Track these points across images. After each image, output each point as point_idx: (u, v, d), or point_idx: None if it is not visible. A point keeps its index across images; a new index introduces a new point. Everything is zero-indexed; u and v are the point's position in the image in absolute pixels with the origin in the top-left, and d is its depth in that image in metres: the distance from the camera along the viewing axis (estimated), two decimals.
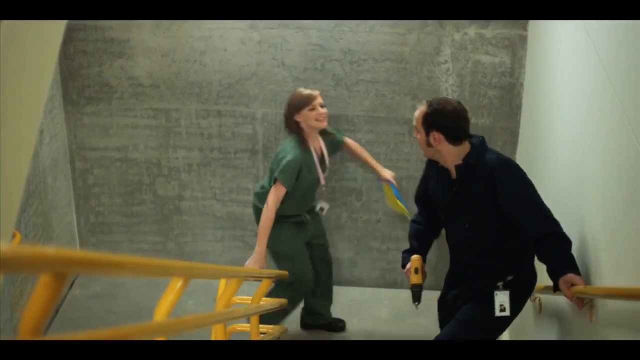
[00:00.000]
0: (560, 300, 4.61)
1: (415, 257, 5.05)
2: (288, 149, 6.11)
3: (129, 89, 7.37)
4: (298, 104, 6.06)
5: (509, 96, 7.10)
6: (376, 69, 7.15)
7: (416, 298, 5.01)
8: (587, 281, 4.23)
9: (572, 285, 4.16)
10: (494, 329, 4.90)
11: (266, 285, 5.67)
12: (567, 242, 4.43)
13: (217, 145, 7.52)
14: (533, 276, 5.00)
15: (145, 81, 7.33)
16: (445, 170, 4.80)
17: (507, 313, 4.77)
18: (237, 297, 5.49)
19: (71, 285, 7.66)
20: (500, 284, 4.81)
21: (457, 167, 4.73)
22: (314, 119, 6.04)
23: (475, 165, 4.66)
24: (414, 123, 4.72)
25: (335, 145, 6.60)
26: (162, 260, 3.02)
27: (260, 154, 7.50)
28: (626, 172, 3.67)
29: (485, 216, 4.73)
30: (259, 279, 5.78)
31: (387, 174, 6.73)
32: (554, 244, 4.45)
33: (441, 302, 5.36)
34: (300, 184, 6.16)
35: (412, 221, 5.32)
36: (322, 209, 6.79)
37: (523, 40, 6.89)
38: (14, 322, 6.10)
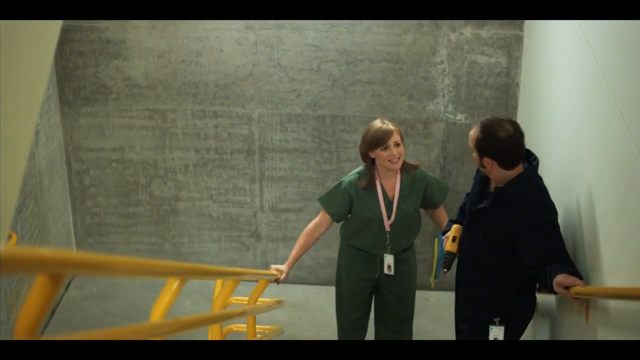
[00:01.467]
0: (556, 300, 4.62)
1: (456, 226, 4.93)
2: (348, 174, 5.64)
3: (125, 90, 7.36)
4: (371, 142, 5.32)
5: (505, 96, 7.11)
6: (372, 70, 7.15)
7: (447, 265, 4.89)
8: (584, 282, 4.22)
9: (565, 287, 4.10)
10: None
11: (262, 286, 5.67)
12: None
13: (214, 145, 7.52)
14: (532, 309, 4.92)
15: (141, 82, 7.32)
16: (488, 179, 4.70)
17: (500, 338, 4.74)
18: (234, 298, 5.49)
19: (67, 286, 7.66)
20: (497, 319, 4.69)
21: (496, 187, 4.59)
22: (386, 159, 5.32)
23: (512, 196, 4.49)
24: (470, 143, 4.58)
25: (427, 199, 5.66)
26: (158, 261, 3.02)
27: (256, 154, 7.50)
28: (622, 172, 3.67)
29: (500, 240, 4.60)
30: (255, 279, 5.78)
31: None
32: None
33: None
34: (356, 218, 5.61)
35: (466, 194, 5.13)
36: (389, 267, 5.78)
37: (519, 40, 6.90)
38: (10, 324, 6.09)
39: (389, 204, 5.46)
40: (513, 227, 4.46)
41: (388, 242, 5.51)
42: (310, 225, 5.76)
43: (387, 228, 5.49)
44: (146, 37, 7.18)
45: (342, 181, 5.53)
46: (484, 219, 4.64)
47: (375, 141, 5.27)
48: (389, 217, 5.47)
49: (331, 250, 7.77)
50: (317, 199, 5.78)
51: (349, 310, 5.94)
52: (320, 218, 5.73)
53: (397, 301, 5.81)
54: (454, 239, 4.86)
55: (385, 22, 6.98)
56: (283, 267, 5.73)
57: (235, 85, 7.28)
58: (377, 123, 5.30)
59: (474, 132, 4.48)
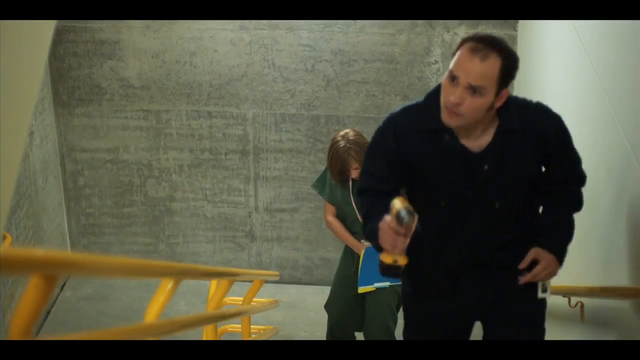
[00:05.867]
0: (551, 299, 4.62)
1: (397, 199, 3.19)
2: None
3: (119, 91, 7.36)
4: (335, 169, 5.47)
5: None
6: (366, 70, 7.15)
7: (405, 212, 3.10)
8: (578, 280, 4.23)
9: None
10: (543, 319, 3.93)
11: (257, 286, 5.67)
12: (575, 204, 3.72)
13: (208, 146, 7.51)
14: None
15: (136, 82, 7.32)
16: (454, 145, 3.46)
17: (548, 294, 3.80)
18: (229, 298, 5.49)
19: (62, 287, 7.65)
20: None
21: (497, 134, 3.46)
22: (349, 176, 5.47)
23: (521, 129, 3.48)
24: (477, 83, 3.22)
25: None
26: (153, 262, 3.02)
27: (251, 154, 7.50)
28: (615, 171, 3.69)
29: (524, 187, 3.60)
30: (250, 279, 5.78)
31: None
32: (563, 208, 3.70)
33: (440, 313, 3.87)
34: (334, 203, 5.69)
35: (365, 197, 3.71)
36: None
37: (513, 40, 6.91)
38: (5, 325, 6.09)
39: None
40: (537, 167, 3.60)
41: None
42: (327, 217, 5.79)
43: (361, 219, 5.48)
44: (140, 37, 7.17)
45: (326, 167, 5.63)
46: (497, 185, 3.52)
47: (336, 168, 5.47)
48: (358, 209, 5.46)
49: (326, 250, 7.78)
50: (311, 185, 5.88)
51: (330, 304, 5.97)
52: (325, 205, 5.81)
53: (375, 303, 5.74)
54: (402, 201, 3.19)
55: (379, 22, 6.98)
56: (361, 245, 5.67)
57: (229, 86, 7.28)
58: (340, 145, 5.42)
59: (490, 66, 3.24)
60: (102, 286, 7.70)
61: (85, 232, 7.90)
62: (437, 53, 7.03)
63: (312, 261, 7.91)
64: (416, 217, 3.08)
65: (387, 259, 3.16)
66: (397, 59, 7.10)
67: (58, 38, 7.08)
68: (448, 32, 6.97)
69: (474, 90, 3.21)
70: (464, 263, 3.70)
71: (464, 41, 3.27)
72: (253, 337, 5.81)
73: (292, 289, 7.89)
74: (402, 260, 3.16)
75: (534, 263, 3.61)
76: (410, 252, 3.54)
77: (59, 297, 7.51)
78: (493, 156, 3.45)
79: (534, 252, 3.59)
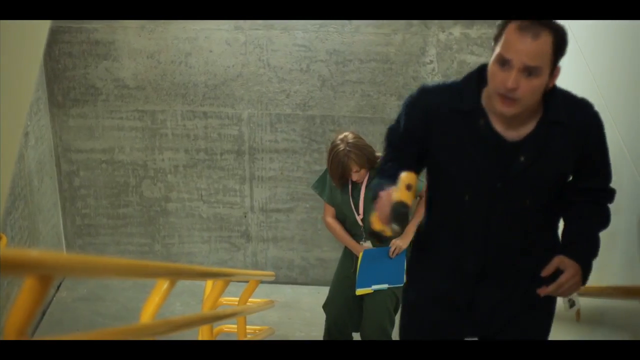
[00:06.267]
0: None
1: (408, 174, 3.09)
2: None
3: (114, 91, 7.36)
4: (335, 173, 5.45)
5: None
6: (362, 70, 7.15)
7: (399, 219, 3.02)
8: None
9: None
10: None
11: (253, 286, 5.67)
12: (602, 221, 3.42)
13: (203, 146, 7.51)
14: None
15: (131, 83, 7.32)
16: (488, 131, 3.20)
17: (577, 306, 3.77)
18: (224, 299, 5.49)
19: (58, 288, 7.64)
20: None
21: (540, 124, 3.19)
22: (350, 179, 5.48)
23: (567, 123, 3.21)
24: (533, 63, 2.96)
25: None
26: (148, 262, 3.02)
27: (246, 155, 7.50)
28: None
29: (558, 186, 3.34)
30: (245, 280, 5.78)
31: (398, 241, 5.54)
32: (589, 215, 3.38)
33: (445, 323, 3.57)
34: (334, 205, 5.69)
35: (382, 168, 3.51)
36: None
37: None
38: (0, 325, 6.08)
39: (357, 195, 5.52)
40: (572, 166, 3.30)
41: (364, 235, 5.56)
42: (327, 219, 5.77)
43: (360, 222, 5.54)
44: (135, 38, 7.17)
45: (327, 168, 5.61)
46: (531, 181, 3.23)
47: (336, 171, 5.43)
48: (357, 211, 5.53)
49: (322, 251, 7.78)
50: (311, 187, 5.85)
51: (329, 305, 5.95)
52: (324, 207, 5.79)
53: (373, 305, 5.74)
54: (409, 187, 3.07)
55: (374, 22, 6.98)
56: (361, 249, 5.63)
57: (224, 86, 7.28)
58: (340, 149, 5.39)
59: (541, 44, 2.96)
60: (97, 287, 7.70)
61: (81, 233, 7.90)
62: (432, 53, 7.03)
63: (308, 261, 7.91)
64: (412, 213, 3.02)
65: (376, 225, 3.08)
66: (393, 59, 7.10)
67: (53, 39, 7.07)
68: (443, 32, 6.97)
69: (529, 71, 2.96)
70: (485, 271, 3.40)
71: (507, 22, 3.00)
72: (249, 338, 5.81)
73: (288, 289, 7.89)
74: (390, 233, 3.08)
75: (556, 273, 3.23)
76: (421, 253, 3.58)
77: (54, 298, 7.51)
78: (532, 148, 3.18)
79: (558, 261, 3.23)
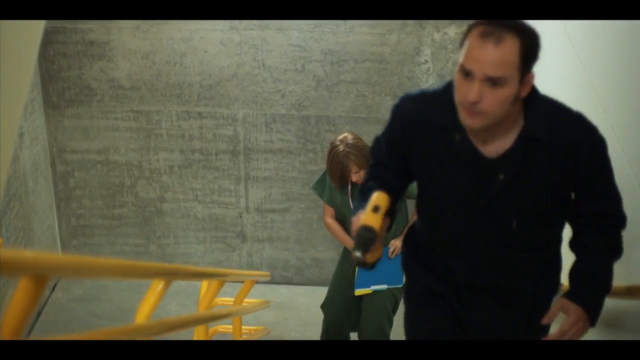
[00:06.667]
0: None
1: (378, 194, 2.96)
2: None
3: (109, 92, 7.35)
4: (334, 173, 5.41)
5: None
6: (357, 70, 7.15)
7: (362, 243, 2.86)
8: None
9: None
10: None
11: (248, 286, 5.67)
12: (613, 254, 3.13)
13: (198, 146, 7.51)
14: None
15: (126, 83, 7.31)
16: (465, 147, 2.95)
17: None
18: (220, 299, 5.49)
19: (53, 289, 7.64)
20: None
21: (518, 140, 2.91)
22: (349, 180, 5.44)
23: (547, 139, 2.90)
24: (495, 73, 2.69)
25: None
26: (143, 263, 3.02)
27: (241, 155, 7.50)
28: None
29: (548, 207, 3.05)
30: (241, 280, 5.78)
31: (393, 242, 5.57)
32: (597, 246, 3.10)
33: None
34: (334, 206, 5.66)
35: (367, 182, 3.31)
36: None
37: None
38: None
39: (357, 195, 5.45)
40: (560, 185, 2.99)
41: None
42: (326, 219, 5.73)
43: None
44: (130, 38, 7.16)
45: (326, 169, 5.58)
46: (514, 199, 2.97)
47: (336, 171, 5.38)
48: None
49: (317, 251, 7.78)
50: (310, 187, 5.80)
51: (327, 305, 5.93)
52: (324, 207, 5.75)
53: (371, 306, 5.72)
54: (376, 209, 2.91)
55: (369, 22, 6.98)
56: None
57: (219, 86, 7.27)
58: (339, 150, 5.34)
59: (506, 50, 2.69)
60: (93, 287, 7.69)
61: (76, 234, 7.89)
62: (427, 53, 7.04)
63: (303, 261, 7.91)
64: (376, 247, 2.90)
65: (353, 251, 2.89)
66: (387, 59, 7.10)
67: (48, 39, 7.07)
68: (438, 31, 6.97)
69: (493, 82, 2.67)
70: (476, 286, 3.19)
71: (472, 27, 2.74)
72: (244, 338, 5.81)
73: (283, 290, 7.89)
74: (370, 259, 2.93)
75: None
76: (415, 253, 3.41)
77: (50, 298, 7.50)
78: (511, 165, 2.90)
79: (560, 304, 3.01)
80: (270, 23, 7.03)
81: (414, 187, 3.21)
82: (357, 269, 5.54)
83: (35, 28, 2.72)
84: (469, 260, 3.14)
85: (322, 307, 5.97)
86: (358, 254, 2.83)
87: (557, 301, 3.04)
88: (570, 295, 3.03)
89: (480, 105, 2.71)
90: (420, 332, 3.41)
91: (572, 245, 3.14)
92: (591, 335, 3.20)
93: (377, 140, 3.28)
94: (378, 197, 2.92)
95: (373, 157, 3.31)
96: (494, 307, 3.22)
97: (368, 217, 2.88)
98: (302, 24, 7.04)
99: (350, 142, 5.34)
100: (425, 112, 3.01)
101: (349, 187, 5.46)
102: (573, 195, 3.04)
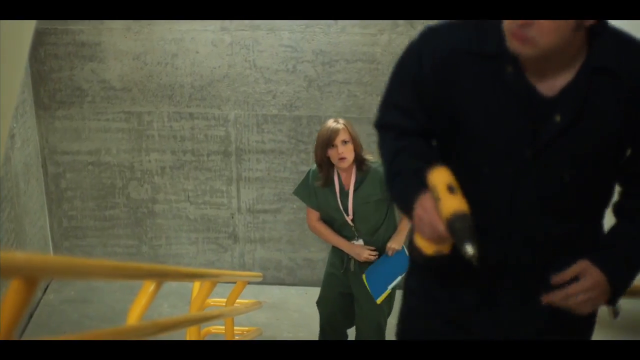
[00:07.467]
0: None
1: (437, 170, 2.38)
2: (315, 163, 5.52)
3: (100, 93, 7.34)
4: (321, 142, 5.28)
5: None
6: (348, 70, 7.15)
7: (466, 237, 2.27)
8: None
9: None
10: None
11: (240, 287, 5.66)
12: None
13: (190, 147, 7.50)
14: None
15: (117, 84, 7.30)
16: (517, 81, 2.38)
17: (619, 317, 2.73)
18: (212, 300, 5.48)
19: (45, 290, 7.62)
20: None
21: (581, 72, 2.35)
22: (336, 158, 5.27)
23: (616, 70, 2.35)
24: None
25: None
26: (134, 264, 3.01)
27: (233, 155, 7.49)
28: None
29: (609, 157, 2.48)
30: (233, 281, 5.77)
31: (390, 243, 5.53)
32: None
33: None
34: (320, 209, 5.58)
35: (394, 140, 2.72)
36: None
37: None
38: None
39: (344, 196, 5.41)
40: (623, 131, 2.41)
41: (356, 235, 5.48)
42: (312, 223, 5.65)
43: (350, 222, 5.45)
44: (121, 39, 7.16)
45: (308, 170, 5.56)
46: (569, 148, 2.40)
47: (323, 140, 5.27)
48: (346, 212, 5.43)
49: (309, 251, 7.78)
50: (293, 192, 5.78)
51: (321, 303, 5.93)
52: (308, 212, 5.69)
53: (366, 308, 5.69)
54: (451, 189, 2.33)
55: (360, 23, 6.99)
56: (356, 247, 5.52)
57: (211, 87, 7.27)
58: (329, 122, 5.30)
59: None
60: (85, 289, 7.68)
61: (68, 235, 7.88)
62: None
63: (296, 262, 7.91)
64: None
65: (428, 249, 2.42)
66: (379, 59, 7.11)
67: (38, 40, 7.06)
68: None
69: None
70: (504, 269, 2.58)
71: None
72: (236, 339, 5.80)
73: (276, 290, 7.88)
74: (448, 249, 2.40)
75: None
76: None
77: (41, 300, 7.49)
78: (570, 103, 2.36)
79: (580, 266, 2.50)
80: (261, 24, 7.03)
81: None
82: (367, 285, 5.50)
83: (26, 28, 2.71)
84: (502, 231, 2.54)
85: (318, 304, 5.97)
86: (470, 249, 2.25)
87: (578, 262, 2.50)
88: (594, 257, 2.51)
89: (531, 29, 2.24)
90: (415, 335, 2.90)
91: (617, 209, 2.62)
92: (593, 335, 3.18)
93: (385, 105, 2.77)
94: (440, 174, 2.36)
95: (386, 126, 2.77)
96: (520, 295, 2.60)
97: (450, 202, 2.30)
98: (294, 24, 7.04)
99: (341, 119, 5.31)
100: (464, 41, 2.46)
101: (336, 187, 5.41)
102: (629, 151, 2.49)
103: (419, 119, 2.58)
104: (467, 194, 2.36)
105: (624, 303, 2.88)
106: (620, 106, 2.35)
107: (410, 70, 2.59)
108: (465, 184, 2.38)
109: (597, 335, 3.48)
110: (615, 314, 2.66)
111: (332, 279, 5.77)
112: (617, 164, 2.51)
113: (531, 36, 2.23)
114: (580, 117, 2.36)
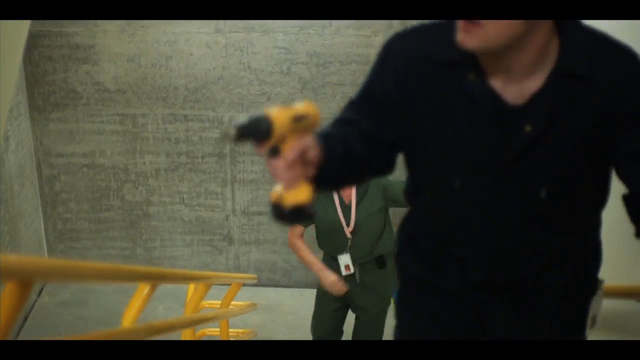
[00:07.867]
0: None
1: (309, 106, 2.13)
2: None
3: (95, 95, 7.34)
4: None
5: None
6: (342, 72, 7.16)
7: (251, 129, 1.99)
8: None
9: None
10: None
11: (235, 289, 5.66)
12: None
13: (185, 149, 7.50)
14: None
15: (111, 86, 7.30)
16: (480, 89, 2.16)
17: (597, 325, 2.62)
18: (207, 302, 5.48)
19: (40, 293, 7.61)
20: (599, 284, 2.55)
21: (551, 78, 2.13)
22: None
23: (589, 76, 2.14)
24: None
25: (394, 200, 5.17)
26: (128, 267, 3.02)
27: (227, 157, 7.49)
28: None
29: (587, 167, 2.25)
30: (227, 282, 5.77)
31: None
32: None
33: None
34: (317, 224, 5.36)
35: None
36: (347, 267, 5.37)
37: None
38: None
39: (346, 209, 5.27)
40: (603, 141, 2.20)
41: (349, 244, 5.27)
42: (293, 240, 5.43)
43: (348, 235, 5.26)
44: (115, 41, 7.15)
45: None
46: (542, 161, 2.20)
47: None
48: (347, 224, 5.27)
49: None
50: None
51: (315, 321, 5.80)
52: (290, 228, 5.48)
53: (365, 320, 5.63)
54: (298, 119, 2.06)
55: (354, 24, 6.99)
56: (331, 277, 5.33)
57: (205, 89, 7.27)
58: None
59: None
60: (79, 291, 7.68)
61: (62, 237, 7.87)
62: None
63: (290, 264, 7.90)
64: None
65: (286, 199, 2.03)
66: (373, 61, 7.10)
67: (33, 42, 7.05)
68: None
69: None
70: (495, 284, 2.42)
71: None
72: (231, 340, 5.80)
73: (271, 292, 7.88)
74: (303, 196, 2.03)
75: (590, 286, 2.49)
76: (407, 256, 2.56)
77: (36, 303, 7.48)
78: (540, 112, 2.14)
79: None
80: (255, 25, 7.04)
81: (399, 189, 2.71)
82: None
83: (20, 30, 2.71)
84: (485, 248, 2.35)
85: (312, 327, 5.82)
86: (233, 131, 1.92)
87: None
88: None
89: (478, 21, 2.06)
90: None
91: (627, 198, 2.30)
92: (591, 335, 3.19)
93: (350, 102, 2.51)
94: (308, 107, 2.09)
95: (338, 116, 2.52)
96: (515, 309, 2.45)
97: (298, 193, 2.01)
98: (288, 26, 7.04)
99: None
100: (427, 48, 2.26)
101: (335, 196, 5.26)
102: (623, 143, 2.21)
103: (361, 123, 2.39)
104: (442, 211, 2.31)
105: (616, 304, 2.90)
106: (595, 114, 2.15)
107: (372, 80, 2.39)
108: (440, 200, 2.31)
109: (594, 335, 3.49)
110: (593, 323, 2.57)
111: (326, 295, 5.55)
112: (601, 172, 2.31)
113: (478, 25, 2.05)
114: (551, 126, 2.15)
